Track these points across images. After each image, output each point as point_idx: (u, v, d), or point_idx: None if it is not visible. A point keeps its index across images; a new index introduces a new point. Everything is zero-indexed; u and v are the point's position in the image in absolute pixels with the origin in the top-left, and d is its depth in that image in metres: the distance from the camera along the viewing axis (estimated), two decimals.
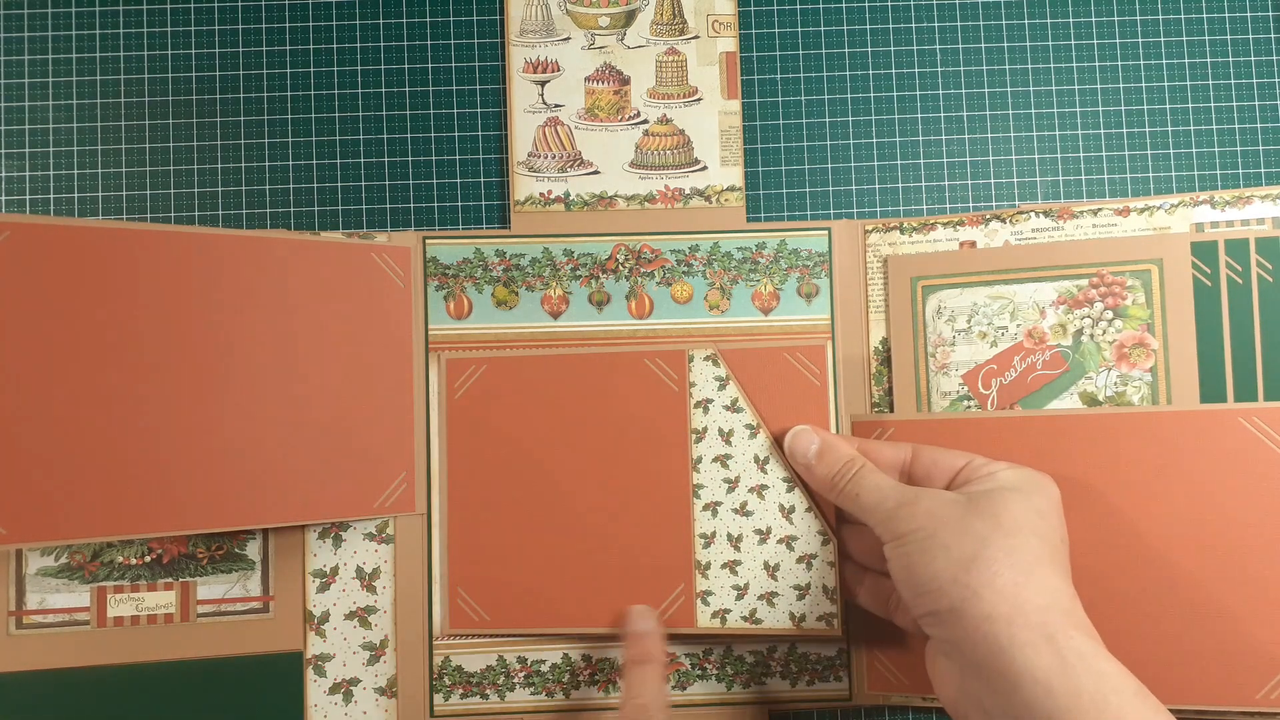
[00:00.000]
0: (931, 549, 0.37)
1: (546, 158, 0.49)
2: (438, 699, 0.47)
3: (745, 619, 0.46)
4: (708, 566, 0.47)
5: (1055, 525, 0.39)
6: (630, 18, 0.50)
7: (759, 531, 0.47)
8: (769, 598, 0.46)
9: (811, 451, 0.45)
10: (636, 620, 0.46)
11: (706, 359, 0.48)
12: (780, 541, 0.46)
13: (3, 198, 0.49)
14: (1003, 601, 0.35)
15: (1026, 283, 0.47)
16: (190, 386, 0.42)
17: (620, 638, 0.46)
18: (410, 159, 0.50)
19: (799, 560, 0.46)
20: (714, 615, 0.47)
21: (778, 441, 0.47)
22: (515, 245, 0.48)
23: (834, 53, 0.51)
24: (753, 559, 0.47)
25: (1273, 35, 0.51)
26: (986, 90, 0.51)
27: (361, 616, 0.47)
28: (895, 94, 0.51)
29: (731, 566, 0.47)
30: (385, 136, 0.50)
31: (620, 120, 0.49)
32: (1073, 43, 0.51)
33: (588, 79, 0.50)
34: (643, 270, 0.49)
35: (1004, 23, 0.51)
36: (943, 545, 0.37)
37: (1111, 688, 0.33)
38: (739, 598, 0.46)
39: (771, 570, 0.46)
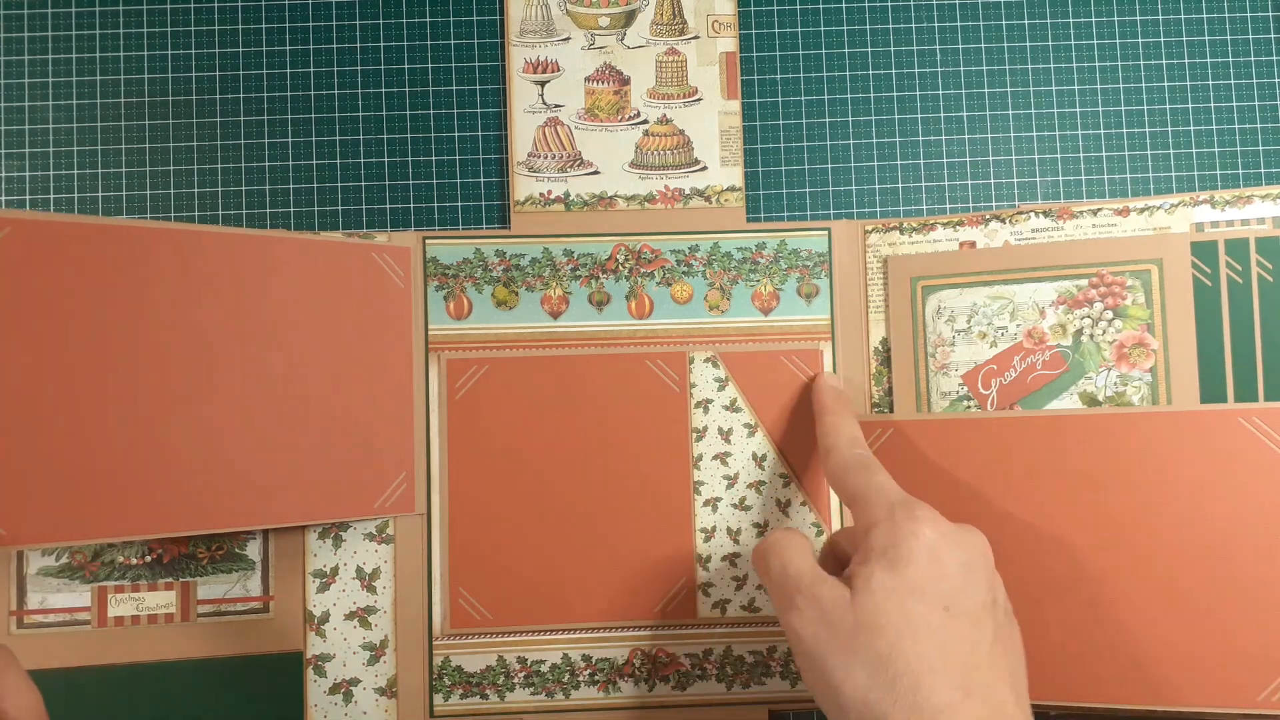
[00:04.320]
0: (825, 672, 0.34)
1: (546, 158, 0.49)
2: (438, 699, 0.47)
3: (744, 608, 0.47)
4: (708, 559, 0.47)
5: (947, 592, 0.34)
6: (630, 18, 0.50)
7: (757, 525, 0.47)
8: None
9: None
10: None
11: (707, 360, 0.48)
12: None
13: (2, 198, 0.49)
14: None
15: (1026, 283, 0.47)
16: (190, 386, 0.42)
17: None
18: (410, 159, 0.50)
19: None
20: (714, 606, 0.47)
21: (776, 442, 0.47)
22: (515, 245, 0.48)
23: (834, 53, 0.51)
24: (751, 551, 0.47)
25: (1273, 35, 0.51)
26: (986, 90, 0.51)
27: (361, 616, 0.47)
28: (895, 94, 0.51)
29: (731, 559, 0.47)
30: (385, 136, 0.50)
31: (620, 120, 0.49)
32: (1073, 43, 0.51)
33: (588, 79, 0.50)
34: (643, 270, 0.49)
35: (1004, 23, 0.51)
36: (831, 677, 0.34)
37: None
38: (738, 588, 0.47)
39: None
